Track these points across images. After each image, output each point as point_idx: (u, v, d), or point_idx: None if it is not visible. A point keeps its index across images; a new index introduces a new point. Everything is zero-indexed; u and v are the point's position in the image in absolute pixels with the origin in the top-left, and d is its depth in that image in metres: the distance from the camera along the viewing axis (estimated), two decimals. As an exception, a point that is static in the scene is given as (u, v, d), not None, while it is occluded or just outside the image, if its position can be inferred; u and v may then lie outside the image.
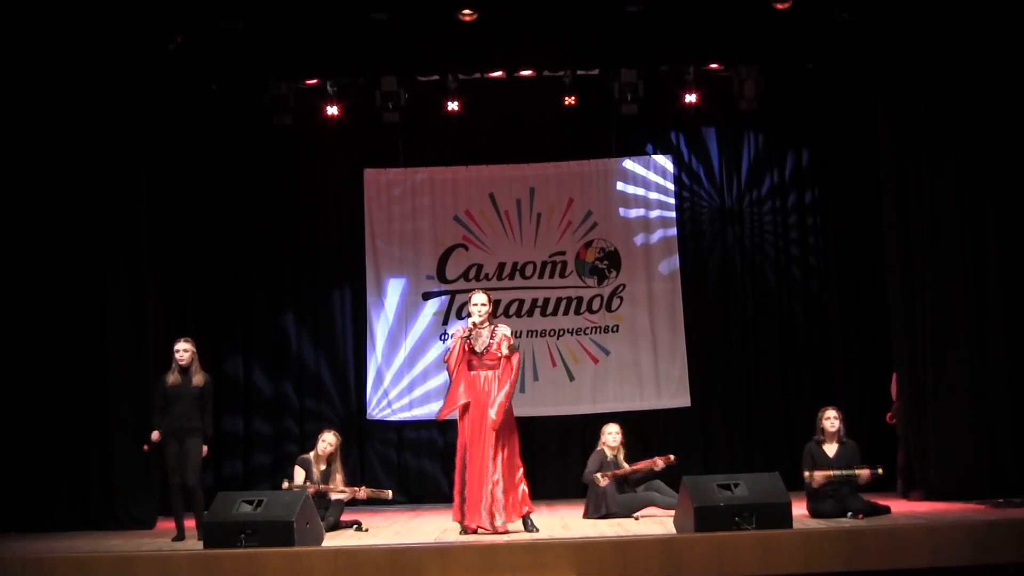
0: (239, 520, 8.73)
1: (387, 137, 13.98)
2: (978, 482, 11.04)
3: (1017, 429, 11.22)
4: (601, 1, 12.45)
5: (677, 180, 14.12)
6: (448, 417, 9.98)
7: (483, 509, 9.34)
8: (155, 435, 10.03)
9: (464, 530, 9.40)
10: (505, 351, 9.50)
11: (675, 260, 13.98)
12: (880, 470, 9.99)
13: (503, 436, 9.44)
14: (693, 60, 13.39)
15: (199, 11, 12.05)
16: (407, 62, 13.19)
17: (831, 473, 9.94)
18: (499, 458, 9.40)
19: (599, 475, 10.73)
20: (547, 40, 12.89)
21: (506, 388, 9.41)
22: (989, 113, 11.49)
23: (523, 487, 9.55)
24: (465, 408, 9.49)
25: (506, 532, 9.31)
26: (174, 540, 9.85)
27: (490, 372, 9.49)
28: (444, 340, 13.74)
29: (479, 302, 9.59)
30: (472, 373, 9.52)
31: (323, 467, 10.69)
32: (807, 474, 10.00)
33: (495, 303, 13.46)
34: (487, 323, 9.58)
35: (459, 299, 13.67)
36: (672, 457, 10.99)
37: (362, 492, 10.70)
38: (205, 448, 10.07)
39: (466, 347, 9.53)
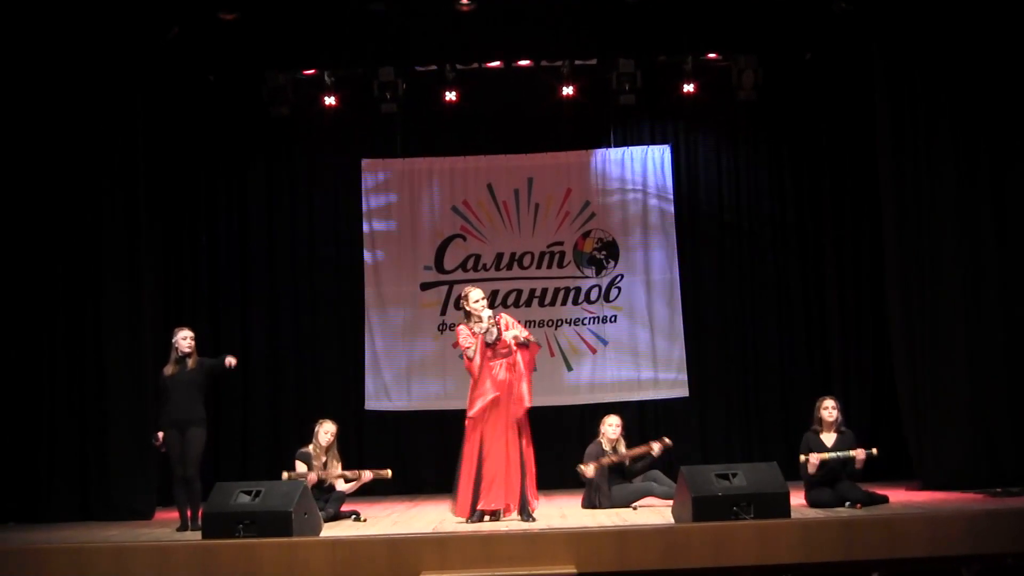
0: (237, 510, 8.73)
1: (385, 128, 13.98)
2: (976, 472, 11.07)
3: (1015, 420, 11.24)
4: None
5: (675, 171, 14.07)
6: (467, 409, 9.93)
7: (505, 493, 9.49)
8: (160, 436, 10.10)
9: (462, 517, 9.46)
10: (520, 336, 9.64)
11: (673, 250, 13.94)
12: (875, 451, 10.00)
13: (525, 427, 9.66)
14: (691, 50, 13.37)
15: (196, 2, 12.02)
16: (405, 52, 13.17)
17: (827, 455, 9.95)
18: (524, 449, 9.64)
19: (581, 466, 10.72)
20: (545, 30, 12.88)
21: (525, 379, 9.66)
22: (988, 107, 11.51)
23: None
24: (493, 402, 9.56)
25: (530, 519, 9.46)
26: (178, 530, 9.88)
27: (505, 360, 9.60)
28: (442, 331, 13.77)
29: (479, 298, 9.62)
30: (488, 364, 9.60)
31: (323, 458, 10.66)
32: (802, 457, 10.00)
33: (493, 293, 13.57)
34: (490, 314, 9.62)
35: (457, 289, 13.54)
36: (668, 440, 11.02)
37: (366, 476, 10.56)
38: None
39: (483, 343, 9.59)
